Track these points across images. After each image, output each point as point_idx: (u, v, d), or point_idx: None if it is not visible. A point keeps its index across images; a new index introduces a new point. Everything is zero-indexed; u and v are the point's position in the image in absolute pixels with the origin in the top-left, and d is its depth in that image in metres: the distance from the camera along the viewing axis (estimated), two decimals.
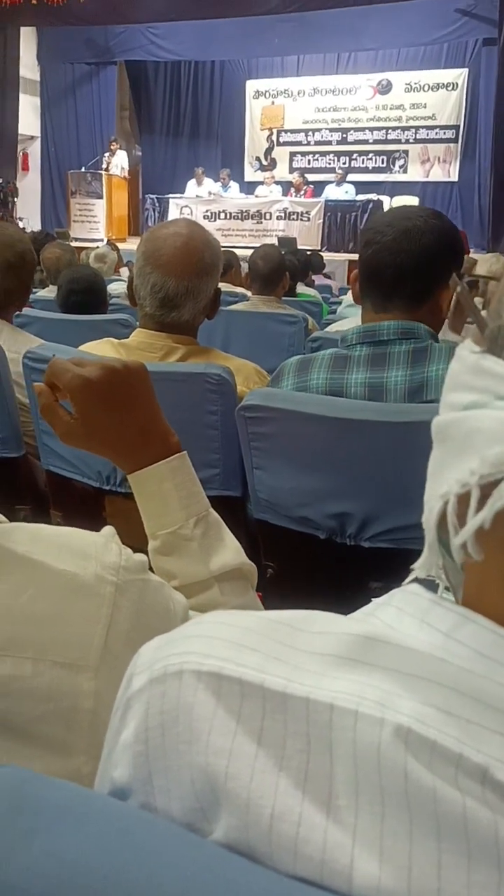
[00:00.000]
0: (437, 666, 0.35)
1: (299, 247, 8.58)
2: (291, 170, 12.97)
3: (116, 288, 4.22)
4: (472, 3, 10.71)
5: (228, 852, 0.34)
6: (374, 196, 11.32)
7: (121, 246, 7.79)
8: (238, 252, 5.60)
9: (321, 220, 10.85)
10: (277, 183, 11.95)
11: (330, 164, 12.96)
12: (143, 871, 0.32)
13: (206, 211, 11.25)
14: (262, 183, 12.10)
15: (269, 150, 13.58)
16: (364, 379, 1.41)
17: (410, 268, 1.37)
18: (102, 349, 1.63)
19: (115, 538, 0.65)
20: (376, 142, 12.88)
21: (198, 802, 0.37)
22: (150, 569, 0.70)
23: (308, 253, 7.18)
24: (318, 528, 1.43)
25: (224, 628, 0.41)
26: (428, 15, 10.86)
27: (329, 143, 13.21)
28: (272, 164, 13.28)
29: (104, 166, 11.76)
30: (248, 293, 3.81)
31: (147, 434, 0.84)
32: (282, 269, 3.56)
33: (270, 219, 11.09)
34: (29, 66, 12.70)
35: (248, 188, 12.48)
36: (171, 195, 11.85)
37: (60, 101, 13.38)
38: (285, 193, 11.60)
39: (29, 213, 12.66)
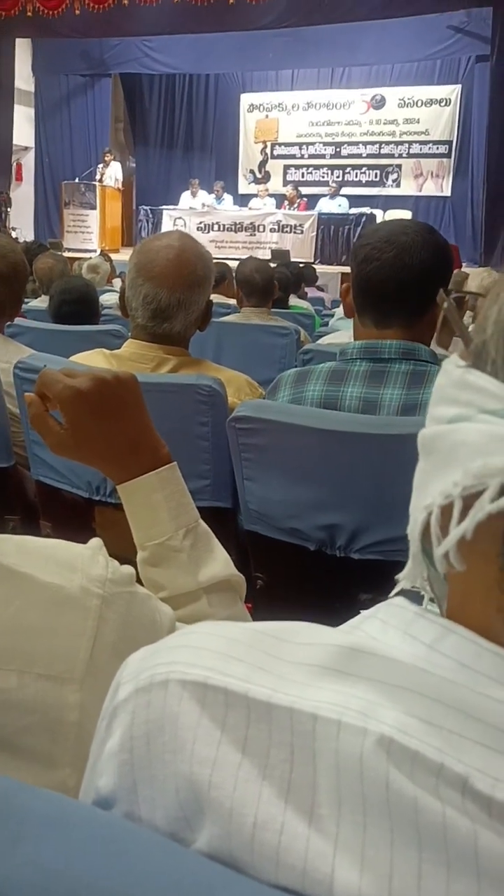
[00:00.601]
0: (420, 677, 0.35)
1: (292, 259, 8.62)
2: (285, 183, 13.04)
3: (109, 298, 4.22)
4: (465, 20, 10.82)
5: (210, 861, 0.34)
6: (367, 210, 11.39)
7: (114, 257, 7.81)
8: (231, 264, 5.62)
9: (314, 233, 10.90)
10: (271, 195, 12.00)
11: (323, 177, 13.04)
12: (125, 879, 0.32)
13: (200, 223, 11.29)
14: (255, 195, 12.16)
15: (262, 163, 13.65)
16: (360, 393, 1.42)
17: (412, 284, 1.39)
18: (94, 360, 1.63)
19: (102, 550, 0.65)
20: (370, 156, 12.97)
21: (182, 811, 0.37)
22: (139, 580, 0.70)
23: (301, 265, 7.21)
24: (308, 540, 1.43)
25: (210, 639, 0.41)
26: (421, 32, 10.95)
27: (323, 156, 13.29)
28: (266, 177, 13.35)
29: (98, 177, 11.78)
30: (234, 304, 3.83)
31: (137, 445, 0.84)
32: (273, 282, 3.59)
33: (264, 231, 11.13)
34: (24, 77, 12.73)
35: (242, 200, 12.54)
36: (164, 206, 11.89)
37: (55, 112, 13.42)
38: (279, 206, 11.65)
39: (22, 224, 12.67)
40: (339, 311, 4.34)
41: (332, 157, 13.22)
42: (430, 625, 0.38)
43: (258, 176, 13.46)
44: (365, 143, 12.96)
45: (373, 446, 1.33)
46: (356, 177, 13.08)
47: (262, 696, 0.36)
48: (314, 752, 0.34)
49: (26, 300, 4.29)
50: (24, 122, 12.87)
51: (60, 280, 3.34)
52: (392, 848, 0.32)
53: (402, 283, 1.39)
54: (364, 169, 13.04)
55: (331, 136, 13.15)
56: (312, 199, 11.87)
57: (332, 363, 1.48)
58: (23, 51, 12.40)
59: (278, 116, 13.43)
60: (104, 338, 2.65)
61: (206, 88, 13.82)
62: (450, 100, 12.36)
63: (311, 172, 13.35)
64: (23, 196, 13.11)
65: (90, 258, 6.44)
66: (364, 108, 12.86)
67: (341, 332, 3.00)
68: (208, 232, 11.10)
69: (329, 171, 13.12)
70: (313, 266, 8.57)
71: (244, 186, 13.48)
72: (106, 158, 12.01)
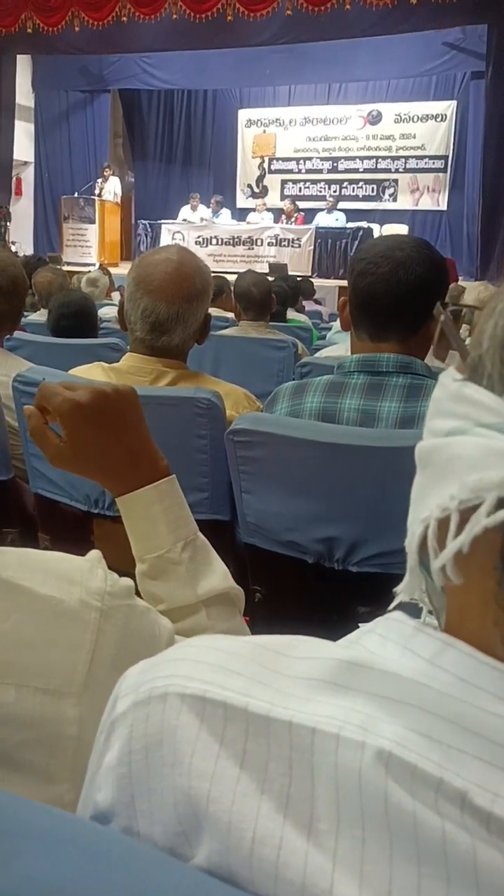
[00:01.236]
0: (420, 691, 0.35)
1: (290, 273, 8.65)
2: (283, 197, 13.10)
3: (108, 312, 4.24)
4: (460, 37, 10.92)
5: (208, 876, 0.34)
6: (364, 224, 11.44)
7: (113, 271, 7.83)
8: (229, 278, 5.64)
9: (312, 247, 10.94)
10: (269, 210, 12.07)
11: (321, 192, 13.12)
12: (121, 895, 0.32)
13: (199, 237, 11.34)
14: (253, 210, 12.23)
15: (260, 178, 13.73)
16: (357, 405, 1.42)
17: (408, 299, 1.40)
18: (92, 373, 1.64)
19: (101, 563, 0.65)
20: (366, 171, 13.05)
21: (180, 826, 0.37)
22: (138, 593, 0.70)
23: (298, 279, 7.24)
24: (306, 553, 1.43)
25: (209, 652, 0.41)
26: (417, 48, 11.06)
27: (320, 171, 13.37)
28: (264, 192, 13.42)
29: (97, 192, 11.84)
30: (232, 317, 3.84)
31: (136, 457, 0.84)
32: (271, 295, 3.60)
33: (262, 245, 11.18)
34: (24, 93, 12.82)
35: (240, 215, 12.61)
36: (163, 221, 11.94)
37: (54, 128, 13.51)
38: (276, 220, 11.71)
39: (22, 238, 12.72)
40: (337, 324, 4.35)
41: (329, 171, 13.30)
42: (430, 639, 0.38)
43: (256, 190, 13.53)
44: (362, 158, 13.04)
45: (371, 459, 1.33)
46: (353, 191, 13.16)
47: (260, 710, 0.36)
48: (313, 767, 0.34)
49: (26, 314, 4.30)
50: (24, 137, 12.94)
51: (59, 294, 3.35)
52: (391, 863, 0.32)
53: (398, 298, 1.40)
54: (361, 183, 13.13)
55: (328, 151, 13.24)
56: (310, 214, 11.93)
57: (330, 376, 1.49)
58: (23, 67, 12.50)
59: (276, 132, 13.52)
60: (103, 351, 2.66)
61: (205, 104, 13.93)
62: (445, 115, 12.46)
63: (308, 187, 13.43)
64: (22, 211, 13.18)
65: (89, 272, 6.46)
66: (361, 123, 12.96)
67: (338, 346, 3.01)
68: (206, 246, 11.15)
69: (326, 186, 13.20)
70: (311, 280, 8.61)
71: (242, 201, 13.56)
72: (105, 173, 12.07)
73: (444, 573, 0.36)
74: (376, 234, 10.03)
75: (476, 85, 11.50)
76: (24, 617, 0.59)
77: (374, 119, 12.87)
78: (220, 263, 10.52)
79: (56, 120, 13.48)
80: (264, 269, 8.93)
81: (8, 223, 11.85)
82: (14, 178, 12.81)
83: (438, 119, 12.52)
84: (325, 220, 11.66)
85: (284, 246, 11.09)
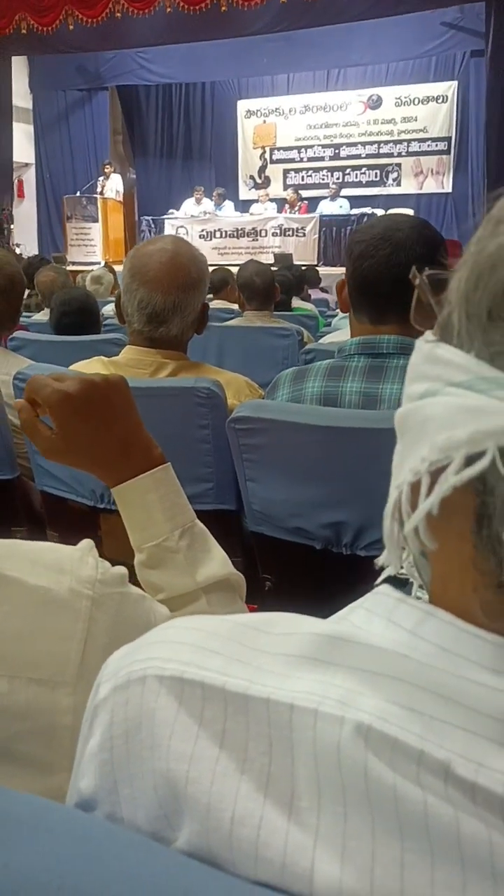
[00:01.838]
0: (401, 663, 0.34)
1: (296, 262, 8.61)
2: (285, 187, 13.04)
3: (112, 309, 4.23)
4: (458, 16, 10.79)
5: (188, 859, 0.33)
6: (368, 210, 11.36)
7: (117, 268, 7.83)
8: (234, 270, 5.62)
9: (316, 236, 10.89)
10: (272, 200, 12.02)
11: (323, 179, 13.04)
12: (99, 880, 0.31)
13: (202, 230, 11.32)
14: (256, 201, 12.18)
15: (262, 169, 13.67)
16: (359, 388, 1.41)
17: (407, 280, 1.38)
18: (92, 367, 1.63)
19: (92, 551, 0.64)
20: (369, 156, 12.96)
21: (161, 809, 0.36)
22: (138, 583, 0.69)
23: (303, 268, 7.21)
24: (314, 539, 1.42)
25: (188, 633, 0.40)
26: (415, 29, 10.94)
27: (322, 158, 13.29)
28: (266, 182, 13.37)
29: (99, 190, 11.84)
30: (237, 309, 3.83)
31: (128, 446, 0.83)
32: (274, 284, 3.59)
33: (266, 236, 11.14)
34: (21, 95, 12.82)
35: (243, 206, 12.55)
36: (166, 216, 11.92)
37: (53, 128, 13.51)
38: (280, 210, 11.66)
39: (26, 240, 12.74)
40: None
41: (331, 158, 13.22)
42: (411, 610, 0.37)
43: (258, 181, 13.48)
44: (363, 144, 12.95)
45: (375, 441, 1.31)
46: (356, 177, 13.07)
47: (238, 689, 0.35)
48: (292, 744, 0.33)
49: (29, 314, 4.31)
50: (24, 138, 12.95)
51: (60, 292, 3.35)
52: (373, 838, 0.31)
53: (397, 280, 1.38)
54: (364, 169, 13.04)
55: (329, 139, 13.16)
56: (313, 202, 11.86)
57: (330, 360, 1.47)
58: (19, 69, 12.50)
59: (276, 121, 13.45)
60: (106, 347, 2.65)
61: (203, 97, 13.87)
62: (446, 96, 12.34)
63: (310, 175, 13.36)
64: (25, 213, 13.20)
65: (93, 270, 6.47)
66: (361, 108, 12.87)
67: (342, 331, 2.99)
68: (210, 239, 11.13)
69: (329, 173, 13.12)
70: (316, 268, 8.57)
71: (245, 192, 13.51)
72: (106, 171, 12.07)
73: (418, 538, 0.35)
74: None
75: (476, 63, 11.38)
76: (14, 608, 0.58)
77: (375, 103, 12.77)
78: (224, 256, 10.49)
79: (55, 120, 13.48)
80: (269, 259, 8.89)
81: (11, 225, 11.88)
82: (15, 181, 12.83)
83: (440, 100, 12.41)
84: (328, 207, 11.60)
85: (289, 236, 11.04)
